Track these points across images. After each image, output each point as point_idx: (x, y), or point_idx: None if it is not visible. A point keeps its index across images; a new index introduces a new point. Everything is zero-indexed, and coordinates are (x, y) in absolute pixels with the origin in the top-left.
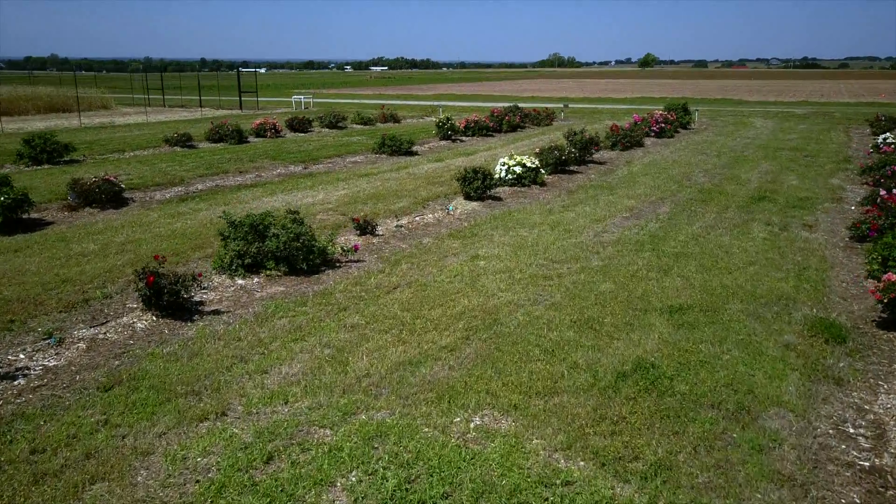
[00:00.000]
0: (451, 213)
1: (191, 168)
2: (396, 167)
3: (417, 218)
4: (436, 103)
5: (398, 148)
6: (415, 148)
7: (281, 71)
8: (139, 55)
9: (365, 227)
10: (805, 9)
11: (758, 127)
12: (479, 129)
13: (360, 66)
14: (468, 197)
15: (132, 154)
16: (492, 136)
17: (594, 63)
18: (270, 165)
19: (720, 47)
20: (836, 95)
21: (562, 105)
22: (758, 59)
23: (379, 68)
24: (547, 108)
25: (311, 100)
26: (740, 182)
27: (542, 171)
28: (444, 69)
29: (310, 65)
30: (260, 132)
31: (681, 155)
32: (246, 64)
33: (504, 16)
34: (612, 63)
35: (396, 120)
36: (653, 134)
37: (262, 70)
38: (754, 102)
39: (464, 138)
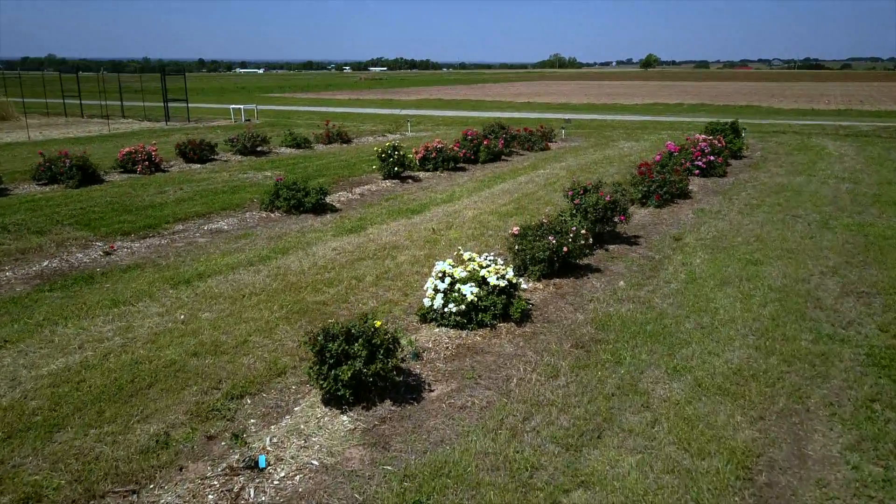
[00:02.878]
0: (261, 474)
1: None
2: (273, 249)
3: None
4: (413, 112)
5: (299, 202)
6: (334, 197)
7: (280, 72)
8: (138, 55)
9: None
10: (806, 9)
11: (835, 155)
12: (443, 161)
13: (360, 66)
14: (333, 398)
15: None
16: (463, 169)
17: (595, 63)
18: (56, 245)
19: (721, 48)
20: (880, 102)
21: (564, 118)
22: (759, 60)
23: (378, 69)
24: (542, 126)
25: (255, 108)
26: None
27: (522, 283)
28: (444, 70)
29: (308, 65)
30: (127, 166)
31: (759, 219)
32: (244, 64)
33: (505, 16)
34: (614, 63)
35: (346, 139)
36: (697, 171)
37: (260, 70)
38: (791, 112)
39: (421, 175)
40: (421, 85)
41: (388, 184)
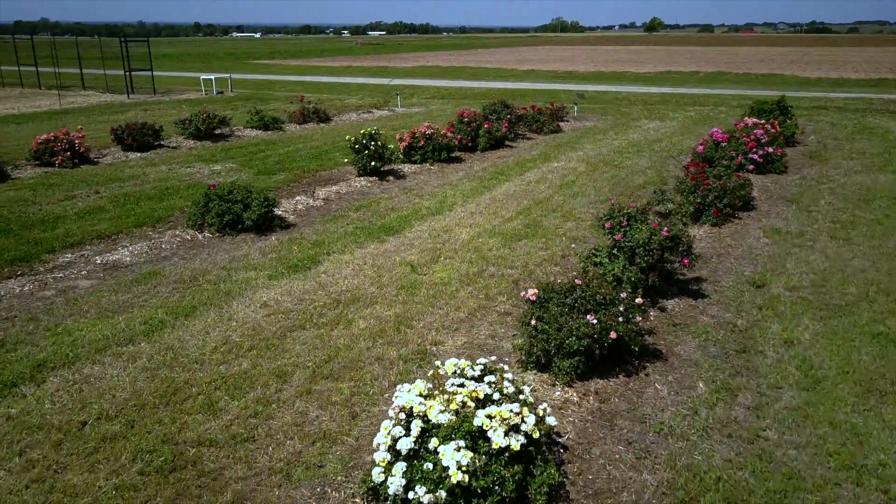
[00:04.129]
0: None
1: None
2: (174, 308)
3: None
4: (407, 82)
5: (237, 218)
6: (289, 204)
7: (277, 36)
8: (133, 19)
9: None
10: None
11: None
12: (433, 151)
13: (358, 30)
14: None
15: None
16: (458, 159)
17: (598, 27)
18: None
19: (725, 11)
20: None
21: (575, 91)
22: (765, 24)
23: (377, 33)
24: (552, 103)
25: (228, 77)
26: None
27: (549, 417)
28: (444, 34)
29: (307, 29)
30: (44, 158)
31: (864, 249)
32: (241, 28)
33: None
34: (616, 27)
35: (324, 118)
36: (751, 166)
37: (257, 35)
38: (820, 82)
39: (405, 168)
40: (419, 50)
41: (363, 182)
